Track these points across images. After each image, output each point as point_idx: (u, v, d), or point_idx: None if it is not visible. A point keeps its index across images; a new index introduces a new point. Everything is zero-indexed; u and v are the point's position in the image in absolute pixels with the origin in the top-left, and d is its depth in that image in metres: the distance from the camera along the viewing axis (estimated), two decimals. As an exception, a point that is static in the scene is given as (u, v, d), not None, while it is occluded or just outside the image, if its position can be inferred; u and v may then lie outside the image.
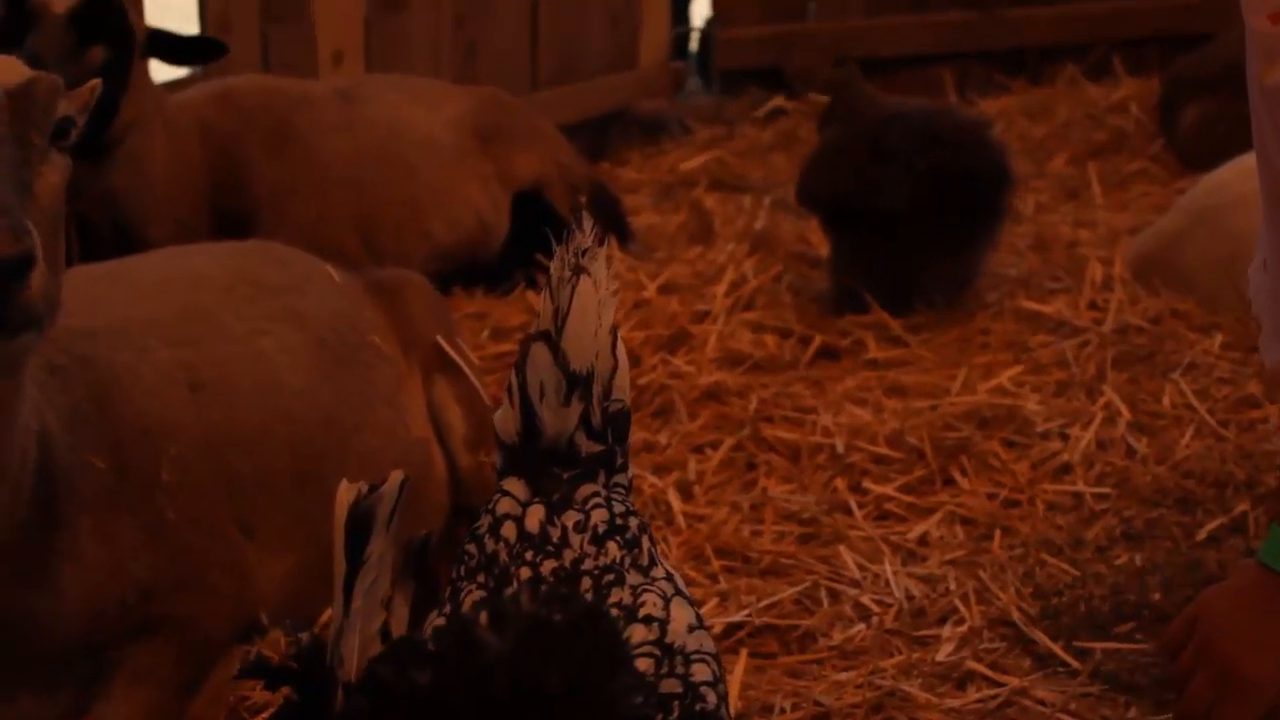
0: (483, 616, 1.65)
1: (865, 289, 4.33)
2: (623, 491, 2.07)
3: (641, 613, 1.91)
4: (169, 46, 4.07)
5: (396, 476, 1.81)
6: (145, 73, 4.07)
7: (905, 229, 4.32)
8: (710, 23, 7.11)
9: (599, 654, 1.64)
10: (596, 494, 2.03)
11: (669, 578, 2.00)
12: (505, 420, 2.05)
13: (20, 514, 2.37)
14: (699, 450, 3.67)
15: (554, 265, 2.03)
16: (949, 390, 3.85)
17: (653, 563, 2.02)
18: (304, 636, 1.77)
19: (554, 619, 1.64)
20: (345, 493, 1.79)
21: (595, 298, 2.00)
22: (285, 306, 2.99)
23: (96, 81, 2.47)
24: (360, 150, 4.54)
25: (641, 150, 6.33)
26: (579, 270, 1.99)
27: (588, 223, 2.04)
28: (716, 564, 3.21)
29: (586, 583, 1.95)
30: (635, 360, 3.85)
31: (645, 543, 2.04)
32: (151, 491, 2.60)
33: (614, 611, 1.90)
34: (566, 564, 1.97)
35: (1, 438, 2.29)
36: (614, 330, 2.04)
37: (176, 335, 2.80)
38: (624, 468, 2.09)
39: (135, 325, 2.77)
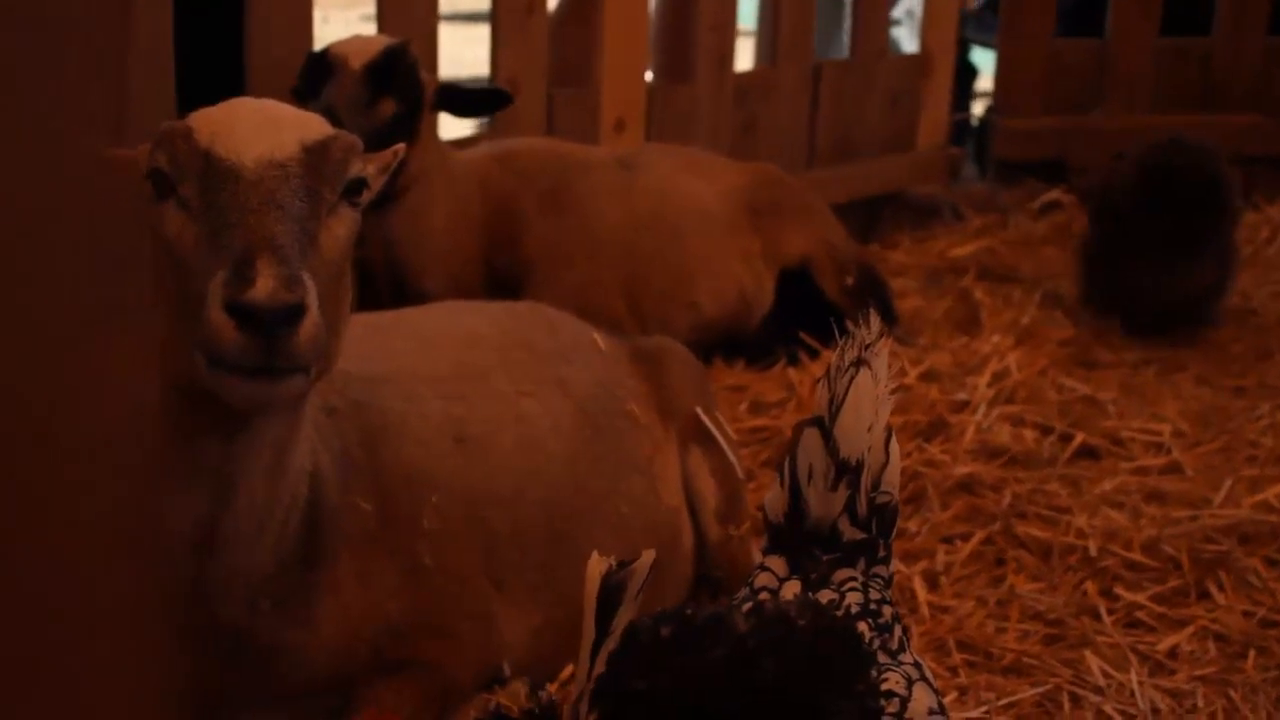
0: (745, 607, 1.79)
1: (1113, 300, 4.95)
2: (881, 582, 2.10)
3: (884, 687, 1.93)
4: (457, 99, 4.19)
5: (649, 556, 1.85)
6: (433, 128, 4.20)
7: (1132, 226, 4.92)
8: (991, 111, 7.06)
9: (826, 661, 1.69)
10: (854, 579, 2.07)
11: (916, 664, 2.03)
12: (775, 500, 2.11)
13: (287, 549, 2.47)
14: (948, 541, 3.64)
15: (836, 355, 2.07)
16: (1211, 501, 3.74)
17: (902, 649, 2.05)
18: (543, 695, 1.85)
19: (799, 621, 1.70)
20: (597, 564, 1.84)
21: (873, 392, 2.03)
22: (551, 371, 3.06)
23: (400, 147, 2.57)
24: (633, 217, 4.61)
25: (912, 234, 6.31)
26: (859, 363, 2.03)
27: (875, 318, 2.08)
28: (958, 657, 3.18)
29: None
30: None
31: (897, 630, 2.06)
32: (411, 537, 2.68)
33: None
34: None
35: (276, 474, 2.39)
36: (889, 427, 2.07)
37: (447, 389, 2.89)
38: (885, 560, 2.12)
39: (409, 376, 2.87)
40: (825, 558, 2.07)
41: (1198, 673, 3.14)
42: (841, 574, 2.06)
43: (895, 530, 2.15)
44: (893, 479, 2.11)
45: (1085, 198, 5.36)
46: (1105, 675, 3.10)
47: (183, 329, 2.17)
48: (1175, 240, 4.93)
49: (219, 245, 2.11)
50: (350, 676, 2.59)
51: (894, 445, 2.10)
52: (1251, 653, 3.20)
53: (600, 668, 1.77)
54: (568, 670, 2.93)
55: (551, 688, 2.90)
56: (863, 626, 2.02)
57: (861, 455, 2.04)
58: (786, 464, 2.09)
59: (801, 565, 2.08)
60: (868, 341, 2.06)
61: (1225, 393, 4.55)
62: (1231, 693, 3.05)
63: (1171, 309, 5.05)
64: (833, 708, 1.69)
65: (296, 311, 2.04)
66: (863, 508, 2.06)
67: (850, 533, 2.07)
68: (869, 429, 2.05)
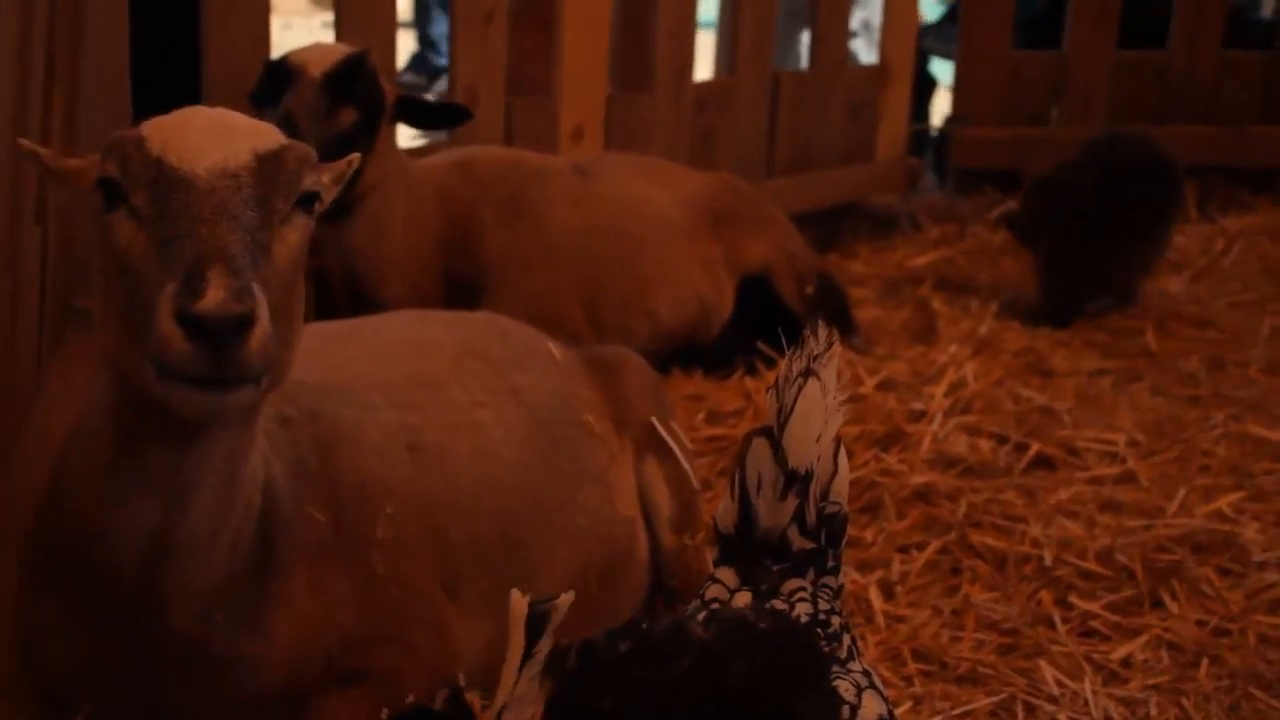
0: (700, 615, 1.80)
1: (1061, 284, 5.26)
2: (829, 592, 2.11)
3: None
4: (416, 111, 4.18)
5: (568, 599, 1.87)
6: (391, 137, 4.19)
7: (1090, 214, 5.24)
8: (950, 121, 7.09)
9: (791, 662, 1.70)
10: (803, 589, 2.07)
11: (865, 673, 2.03)
12: (725, 511, 2.12)
13: (240, 559, 2.45)
14: (904, 550, 3.64)
15: (784, 364, 2.07)
16: (1165, 511, 3.76)
17: (851, 657, 2.05)
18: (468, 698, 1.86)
19: (759, 625, 1.70)
20: (519, 599, 1.85)
21: (821, 402, 2.03)
22: (506, 381, 3.05)
23: (355, 156, 2.56)
24: (591, 225, 4.61)
25: (871, 244, 6.33)
26: (808, 373, 2.04)
27: (823, 329, 2.09)
28: (913, 666, 3.18)
29: None
30: (847, 455, 3.84)
31: (846, 639, 2.06)
32: (365, 546, 2.67)
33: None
34: None
35: (229, 484, 2.37)
36: (838, 438, 2.08)
37: (402, 399, 2.88)
38: (834, 570, 2.13)
39: (364, 385, 2.86)
40: (775, 568, 2.07)
41: (1151, 682, 3.15)
42: (791, 584, 2.07)
43: (844, 540, 2.15)
44: (841, 489, 2.11)
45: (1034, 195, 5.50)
46: (1059, 684, 3.11)
47: (133, 339, 2.15)
48: (1132, 221, 5.30)
49: (170, 255, 2.09)
50: (304, 687, 2.57)
51: (843, 456, 2.11)
52: (1204, 661, 3.22)
53: (525, 684, 1.78)
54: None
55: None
56: None
57: (810, 465, 2.05)
58: (736, 474, 2.09)
59: (752, 576, 2.08)
60: (816, 352, 2.06)
61: (1180, 403, 4.58)
62: (1184, 701, 3.07)
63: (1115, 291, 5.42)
64: (804, 707, 1.69)
65: (246, 322, 2.02)
66: (812, 518, 2.07)
67: (799, 542, 2.07)
68: (817, 439, 2.05)
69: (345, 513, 2.66)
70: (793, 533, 2.07)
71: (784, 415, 2.04)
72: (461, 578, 2.82)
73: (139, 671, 2.45)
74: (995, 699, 3.06)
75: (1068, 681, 3.12)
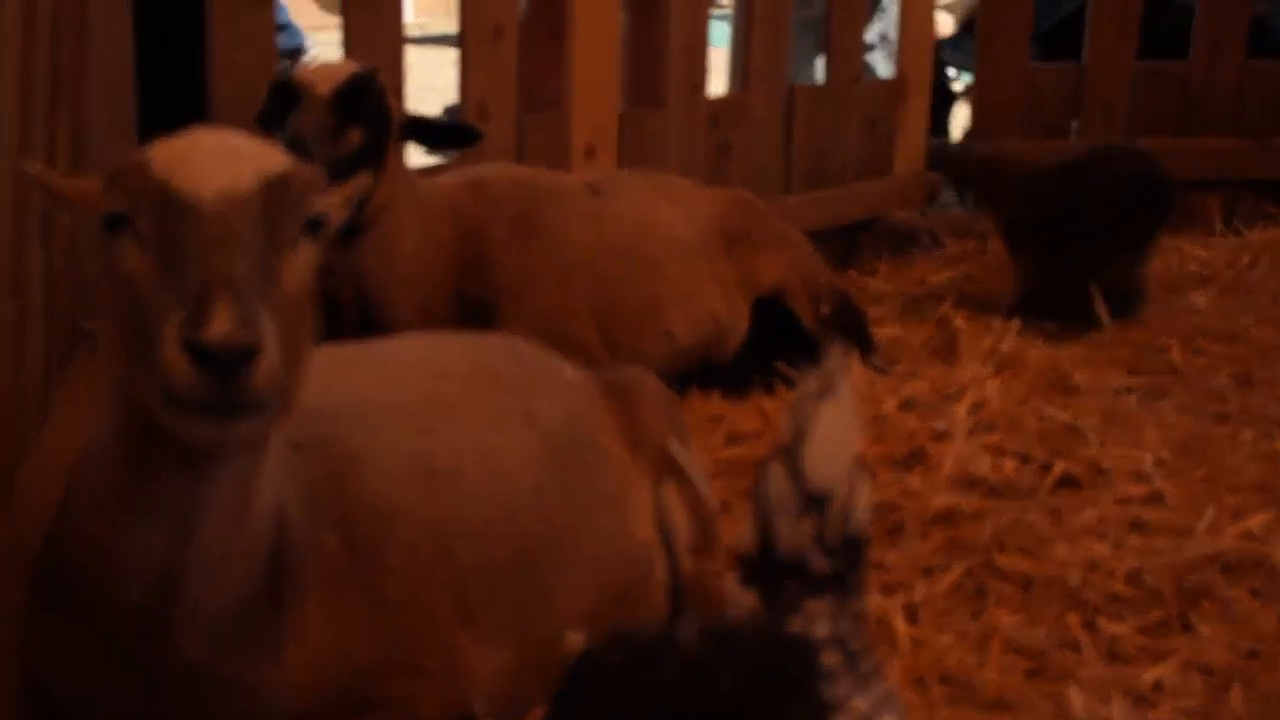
0: (692, 626, 1.84)
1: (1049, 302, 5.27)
2: (852, 614, 2.07)
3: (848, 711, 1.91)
4: (425, 131, 4.16)
5: (577, 642, 1.87)
6: (400, 156, 4.16)
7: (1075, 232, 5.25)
8: (969, 135, 7.05)
9: (781, 670, 1.68)
10: (824, 610, 2.03)
11: (889, 694, 2.00)
12: (746, 533, 2.09)
13: (251, 586, 2.42)
14: (928, 573, 3.59)
15: (800, 384, 2.05)
16: (1194, 531, 3.70)
17: (873, 679, 2.02)
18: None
19: (749, 634, 1.68)
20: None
21: (839, 422, 2.00)
22: (520, 403, 3.02)
23: (365, 179, 2.53)
24: (604, 243, 4.57)
25: (890, 260, 6.28)
26: (824, 393, 2.01)
27: (839, 348, 2.06)
28: (937, 691, 3.13)
29: None
30: (869, 476, 3.81)
31: (865, 661, 2.03)
32: (378, 573, 2.64)
33: None
34: None
35: (239, 511, 2.34)
36: (858, 459, 2.05)
37: (415, 422, 2.85)
38: (857, 592, 2.09)
39: (375, 409, 2.83)
40: (796, 588, 2.04)
41: (1181, 705, 3.09)
42: (812, 605, 2.04)
43: (866, 562, 2.12)
44: (863, 510, 2.08)
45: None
46: (1088, 709, 3.05)
47: (138, 364, 2.13)
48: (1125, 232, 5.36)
49: (175, 281, 2.08)
50: (316, 715, 2.55)
51: (864, 476, 2.07)
52: (1236, 684, 3.15)
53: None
54: (536, 711, 2.88)
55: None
56: (831, 656, 1.99)
57: (829, 486, 2.02)
58: (755, 495, 2.06)
59: (772, 597, 2.05)
60: (834, 371, 2.04)
61: (1207, 420, 4.51)
62: (1216, 726, 3.01)
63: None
64: (794, 715, 1.66)
65: (251, 350, 2.01)
66: (832, 539, 2.04)
67: (820, 563, 2.04)
68: (836, 459, 2.02)
69: (357, 538, 2.62)
70: (813, 553, 2.04)
71: (801, 435, 2.01)
72: (476, 604, 2.78)
73: (147, 698, 2.42)
74: (1023, 724, 3.01)
75: (1096, 706, 3.06)
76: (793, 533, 2.03)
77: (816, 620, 2.01)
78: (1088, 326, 5.28)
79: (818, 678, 1.78)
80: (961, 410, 4.30)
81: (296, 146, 3.47)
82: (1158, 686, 3.18)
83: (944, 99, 8.22)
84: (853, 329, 4.82)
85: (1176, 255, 6.17)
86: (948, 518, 3.78)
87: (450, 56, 5.13)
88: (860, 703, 1.92)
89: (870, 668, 2.01)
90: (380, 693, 2.60)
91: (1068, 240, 5.30)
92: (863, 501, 2.08)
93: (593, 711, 1.74)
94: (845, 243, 6.26)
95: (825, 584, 2.05)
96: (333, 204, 2.35)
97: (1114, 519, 3.79)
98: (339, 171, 3.12)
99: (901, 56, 6.56)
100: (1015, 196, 5.50)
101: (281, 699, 2.48)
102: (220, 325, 1.98)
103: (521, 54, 5.01)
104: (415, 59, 5.03)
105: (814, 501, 2.01)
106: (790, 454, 2.02)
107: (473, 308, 4.26)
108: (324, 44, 10.55)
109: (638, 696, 1.74)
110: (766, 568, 2.05)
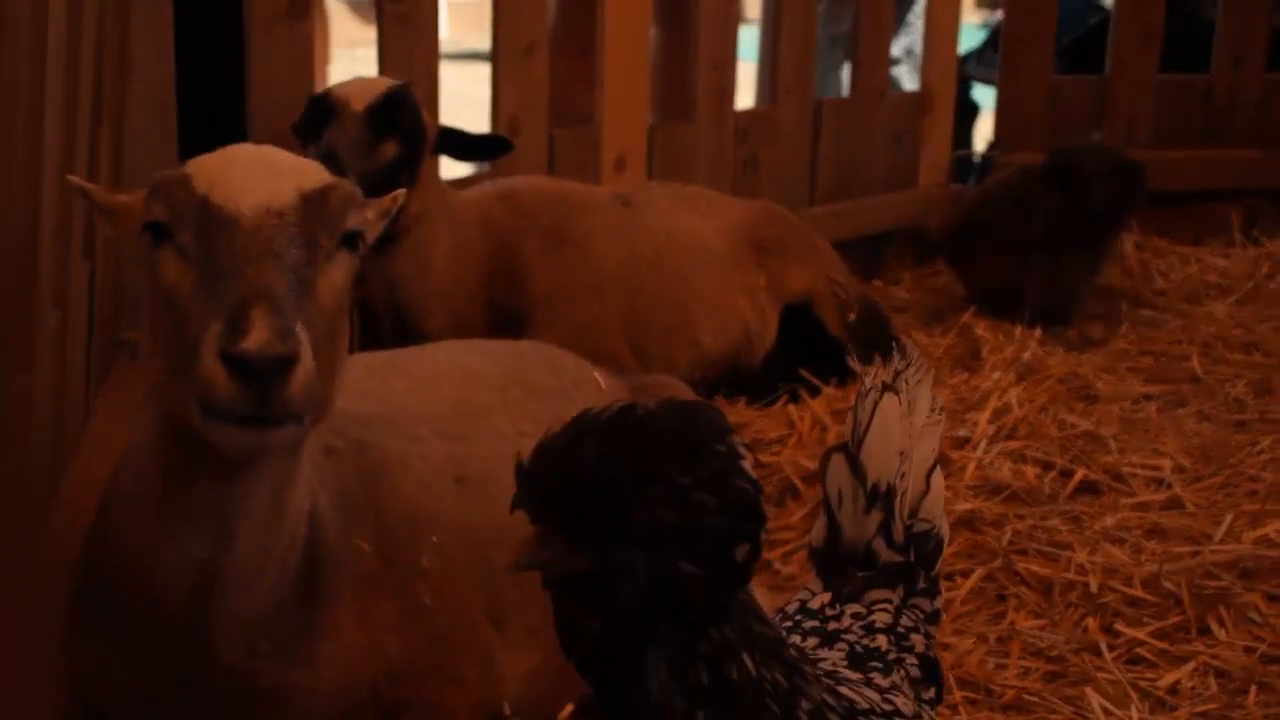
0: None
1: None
2: (919, 614, 2.09)
3: (889, 708, 1.92)
4: (458, 143, 4.21)
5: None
6: (434, 168, 4.22)
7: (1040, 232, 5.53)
8: (992, 147, 7.08)
9: (654, 442, 1.67)
10: (888, 600, 2.07)
11: (928, 703, 2.02)
12: (817, 526, 2.12)
13: (286, 590, 2.46)
14: (949, 578, 3.63)
15: (864, 380, 2.09)
16: (1212, 537, 3.73)
17: (927, 682, 2.04)
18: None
19: (644, 407, 1.70)
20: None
21: (899, 416, 2.04)
22: (552, 410, 3.04)
23: (401, 192, 2.58)
24: (634, 255, 4.62)
25: (915, 271, 6.32)
26: (886, 388, 2.04)
27: (913, 350, 2.11)
28: (958, 694, 3.18)
29: (842, 648, 1.99)
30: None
31: (912, 660, 2.04)
32: (411, 577, 2.68)
33: (870, 694, 1.90)
34: (827, 629, 2.02)
35: (275, 516, 2.39)
36: (935, 459, 2.09)
37: (448, 429, 2.89)
38: (929, 593, 2.11)
39: (409, 415, 2.87)
40: (860, 575, 2.07)
41: (1199, 709, 3.13)
42: (876, 594, 2.06)
43: (940, 562, 2.14)
44: (934, 509, 2.10)
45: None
46: (1106, 712, 3.09)
47: (177, 375, 2.17)
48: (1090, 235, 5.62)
49: (215, 294, 2.11)
50: (349, 717, 2.58)
51: (938, 476, 2.10)
52: (1253, 689, 3.19)
53: None
54: (565, 710, 2.93)
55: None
56: (882, 639, 2.02)
57: (891, 480, 2.04)
58: (821, 490, 2.10)
59: (835, 583, 2.08)
60: (899, 369, 2.07)
61: (1226, 427, 4.54)
62: (1233, 729, 3.05)
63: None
64: (643, 492, 1.66)
65: (288, 362, 2.04)
66: (899, 533, 2.06)
67: (887, 555, 2.07)
68: (900, 454, 2.05)
69: (391, 543, 2.67)
70: (879, 545, 2.07)
71: (861, 430, 2.05)
72: (507, 608, 2.82)
73: (185, 702, 2.46)
74: (1041, 727, 3.06)
75: (1114, 709, 3.10)
76: (856, 524, 2.07)
77: (877, 609, 2.04)
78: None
79: (701, 456, 1.70)
80: (983, 417, 4.33)
81: (331, 161, 3.52)
82: (1175, 690, 3.22)
83: (967, 112, 8.24)
84: (878, 337, 4.85)
85: (1197, 265, 6.20)
86: (969, 523, 3.82)
87: (483, 72, 5.17)
88: (902, 701, 1.94)
89: (917, 669, 2.03)
90: (413, 695, 2.65)
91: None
92: (935, 501, 2.11)
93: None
94: (871, 253, 6.30)
95: (893, 576, 2.08)
96: (368, 218, 2.40)
97: (1133, 525, 3.82)
98: (374, 185, 3.16)
99: (926, 70, 6.60)
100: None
101: (316, 701, 2.53)
102: (258, 337, 2.02)
103: (550, 69, 5.06)
104: (448, 74, 5.08)
105: (877, 495, 2.05)
106: (850, 448, 2.06)
107: (505, 317, 4.31)
108: (361, 60, 10.60)
109: (539, 458, 1.73)
110: (833, 557, 2.09)
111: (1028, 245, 5.59)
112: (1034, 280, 5.56)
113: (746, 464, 1.70)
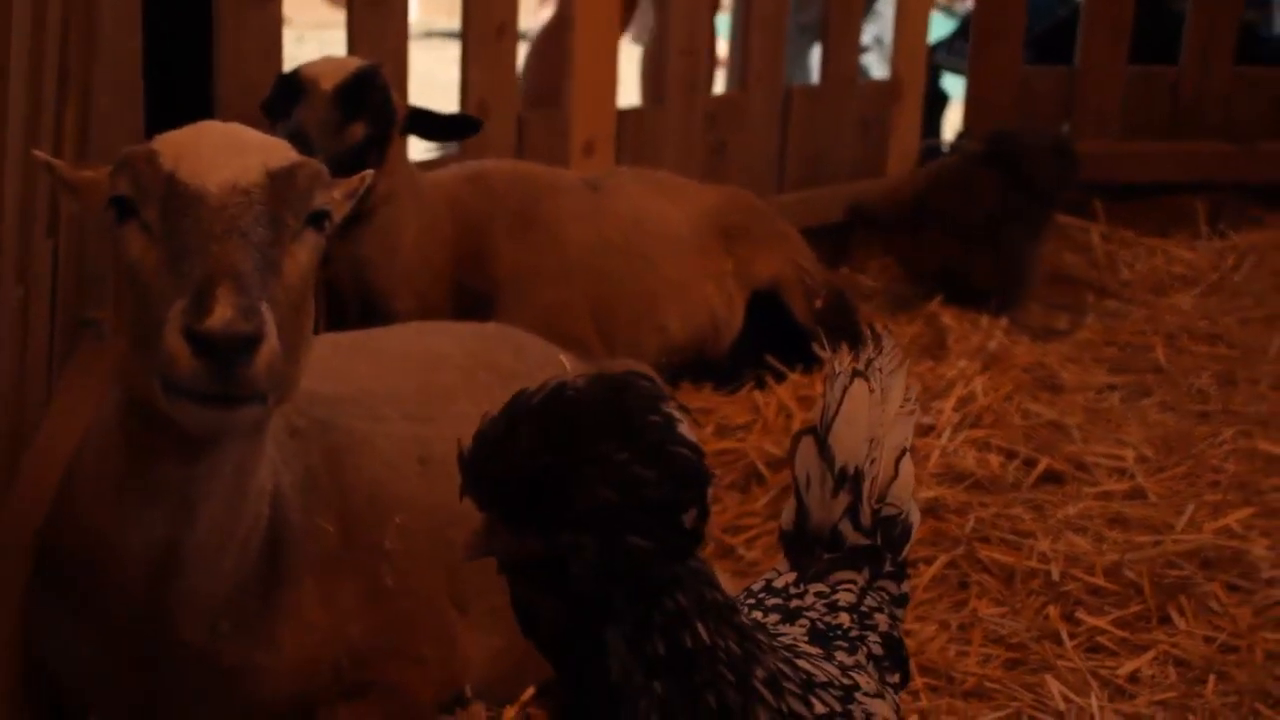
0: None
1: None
2: (885, 596, 2.10)
3: (848, 683, 1.92)
4: (427, 124, 4.20)
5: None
6: (403, 150, 4.20)
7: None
8: (961, 136, 7.10)
9: (589, 417, 1.67)
10: (852, 582, 2.07)
11: (892, 687, 2.02)
12: (786, 509, 2.13)
13: (248, 570, 2.47)
14: (911, 564, 3.62)
15: (833, 364, 2.09)
16: (1174, 527, 3.75)
17: (890, 665, 2.05)
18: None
19: (573, 386, 1.70)
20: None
21: (867, 401, 2.05)
22: (517, 393, 3.06)
23: (368, 173, 2.57)
24: (602, 239, 4.61)
25: (882, 259, 6.33)
26: (855, 374, 2.05)
27: (888, 339, 2.12)
28: (919, 681, 3.18)
29: (803, 624, 1.99)
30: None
31: (874, 638, 2.05)
32: (374, 558, 2.68)
33: (829, 668, 1.91)
34: (789, 606, 2.03)
35: (237, 496, 2.39)
36: (905, 447, 2.10)
37: (412, 410, 2.89)
38: (895, 577, 2.12)
39: (374, 396, 2.87)
40: (826, 557, 2.08)
41: (1158, 698, 3.15)
42: (841, 574, 2.07)
43: (908, 547, 2.14)
44: (903, 495, 2.11)
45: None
46: (1066, 699, 3.11)
47: (141, 352, 2.17)
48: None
49: (180, 271, 2.11)
50: (311, 699, 2.59)
51: (907, 462, 2.11)
52: (1211, 678, 3.22)
53: None
54: (528, 693, 2.93)
55: (510, 711, 2.90)
56: (844, 617, 2.02)
57: (859, 464, 2.05)
58: (791, 472, 2.11)
59: (802, 564, 2.09)
60: (872, 357, 2.08)
61: (1189, 418, 4.57)
62: (1191, 718, 3.06)
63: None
64: (580, 473, 1.66)
65: (253, 341, 2.03)
66: (866, 517, 2.07)
67: (854, 538, 2.07)
68: (869, 440, 2.05)
69: (354, 524, 2.67)
70: (846, 528, 2.07)
71: (830, 414, 2.06)
72: (469, 591, 2.82)
73: (146, 681, 2.47)
74: (1001, 714, 3.06)
75: (1074, 697, 3.12)
76: (823, 507, 2.07)
77: (841, 589, 2.05)
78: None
79: (630, 431, 1.69)
80: (948, 405, 4.35)
81: (299, 140, 3.50)
82: (1135, 678, 3.24)
83: (936, 101, 8.25)
84: (845, 324, 4.86)
85: (1163, 257, 6.23)
86: (933, 510, 3.82)
87: (452, 53, 5.15)
88: (864, 679, 1.94)
89: (880, 652, 2.03)
90: (375, 676, 2.65)
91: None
92: (904, 486, 2.11)
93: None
94: (838, 241, 6.30)
95: (859, 558, 2.09)
96: (336, 198, 2.39)
97: (1095, 514, 3.84)
98: (342, 165, 3.15)
99: (895, 59, 6.61)
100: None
101: (277, 681, 2.53)
102: (222, 315, 2.01)
103: (544, 57, 5.05)
104: (418, 56, 5.07)
105: (845, 478, 2.06)
106: (819, 431, 2.06)
107: (472, 300, 4.29)
108: (331, 42, 10.58)
109: (476, 444, 1.72)
110: (801, 539, 2.09)
111: (969, 229, 5.65)
112: (980, 265, 5.63)
113: (684, 428, 1.70)
